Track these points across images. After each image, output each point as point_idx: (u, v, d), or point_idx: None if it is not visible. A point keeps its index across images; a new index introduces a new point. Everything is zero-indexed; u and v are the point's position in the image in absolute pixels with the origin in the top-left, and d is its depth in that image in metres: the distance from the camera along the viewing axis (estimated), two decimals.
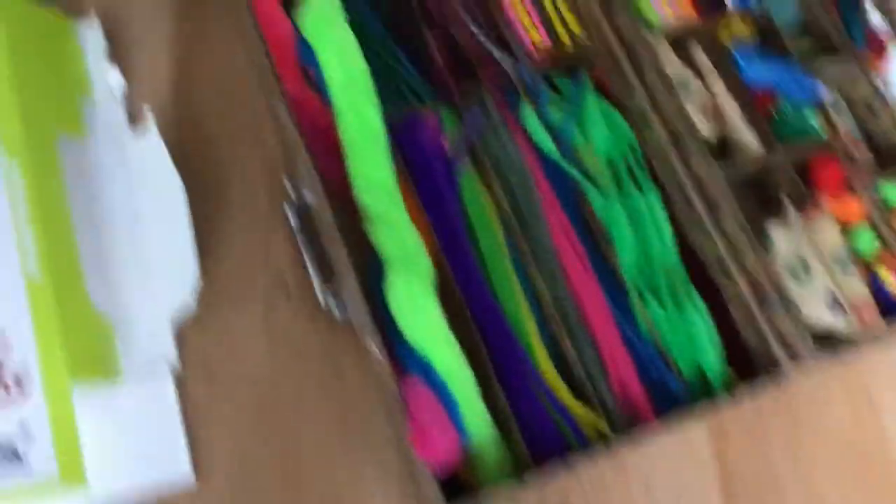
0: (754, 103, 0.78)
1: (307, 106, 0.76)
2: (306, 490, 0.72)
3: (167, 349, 0.72)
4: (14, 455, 0.62)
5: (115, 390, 0.71)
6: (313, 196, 0.74)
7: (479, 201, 0.77)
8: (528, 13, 0.82)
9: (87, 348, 0.68)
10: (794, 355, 0.71)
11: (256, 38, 0.75)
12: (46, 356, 0.64)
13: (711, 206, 0.75)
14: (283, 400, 0.73)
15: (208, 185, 0.77)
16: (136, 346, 0.72)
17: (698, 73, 0.79)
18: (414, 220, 0.73)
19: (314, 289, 0.75)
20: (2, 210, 0.66)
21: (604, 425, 0.72)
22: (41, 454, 0.62)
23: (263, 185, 0.78)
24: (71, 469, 0.63)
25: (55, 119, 0.73)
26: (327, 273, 0.75)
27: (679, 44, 0.80)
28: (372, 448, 0.73)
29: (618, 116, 0.79)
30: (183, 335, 0.73)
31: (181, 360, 0.72)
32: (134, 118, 0.77)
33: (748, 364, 0.75)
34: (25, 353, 0.64)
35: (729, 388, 0.74)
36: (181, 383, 0.72)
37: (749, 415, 0.78)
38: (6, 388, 0.63)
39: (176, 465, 0.71)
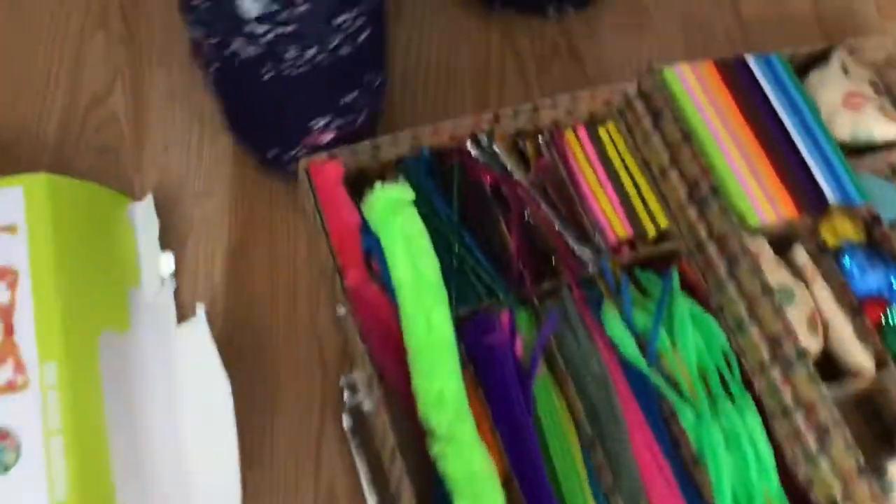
0: (864, 312, 0.70)
1: (369, 300, 0.70)
2: None
3: None
4: None
5: None
6: (371, 405, 0.67)
7: (553, 412, 0.69)
8: (611, 202, 0.76)
9: None
10: None
11: (319, 226, 0.71)
12: None
13: (819, 432, 0.66)
14: None
15: (259, 383, 0.71)
16: None
17: (801, 278, 0.72)
18: (481, 430, 0.65)
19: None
20: (33, 422, 0.60)
21: None
22: None
23: (318, 386, 0.71)
24: None
25: (99, 313, 0.68)
26: (382, 490, 0.68)
27: (780, 245, 0.73)
28: None
29: (710, 321, 0.71)
30: None
31: None
32: (183, 309, 0.72)
33: None
34: None
35: None
36: None
37: None
38: None
39: None
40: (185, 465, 0.65)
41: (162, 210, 0.74)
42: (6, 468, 0.58)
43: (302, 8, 0.65)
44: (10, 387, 0.60)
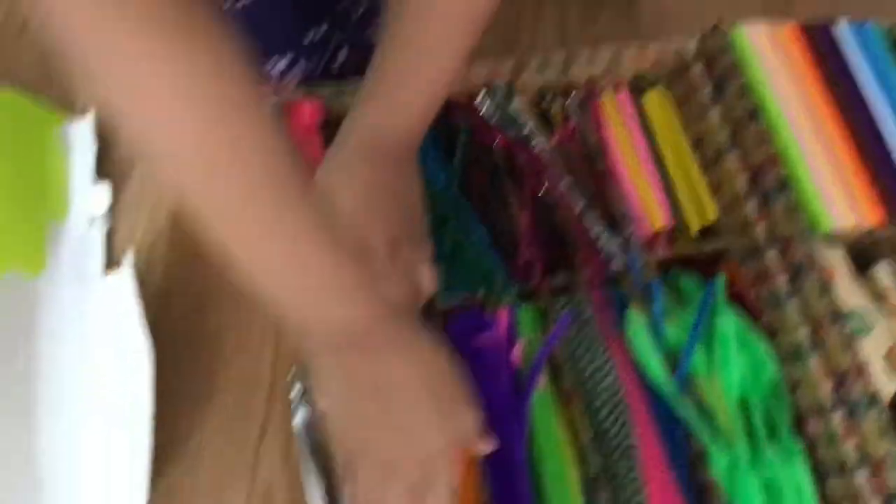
0: None
1: None
2: None
3: None
4: None
5: None
6: None
7: (552, 437, 0.56)
8: (650, 184, 0.62)
9: None
10: None
11: None
12: None
13: (886, 498, 0.52)
14: None
15: (194, 359, 0.58)
16: None
17: (883, 304, 0.58)
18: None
19: None
20: None
21: None
22: None
23: (266, 371, 0.58)
24: None
25: (7, 251, 0.56)
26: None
27: (860, 260, 0.59)
28: None
29: (759, 344, 0.58)
30: None
31: None
32: (113, 253, 0.59)
33: None
34: None
35: None
36: None
37: None
38: None
39: None
40: (84, 463, 0.53)
41: (107, 132, 0.61)
42: None
43: None
44: None
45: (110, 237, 0.59)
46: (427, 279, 0.51)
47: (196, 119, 0.35)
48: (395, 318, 0.44)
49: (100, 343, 0.55)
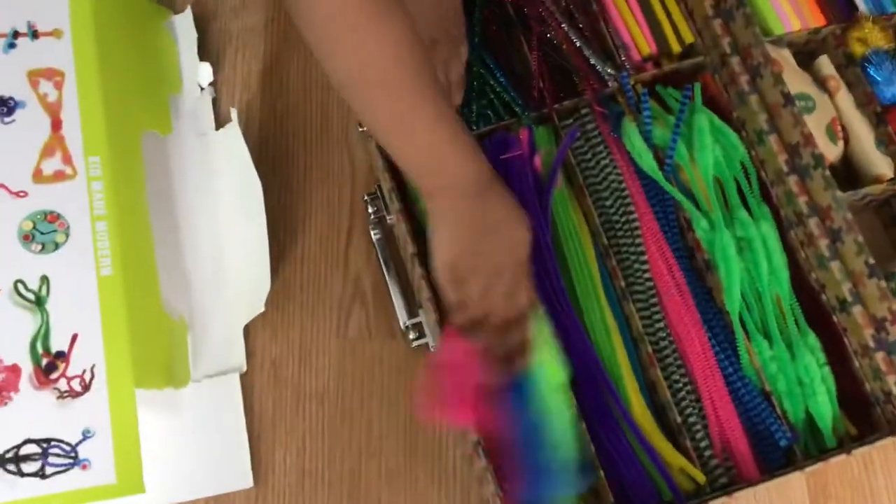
0: (888, 120, 0.70)
1: None
2: None
3: (237, 355, 0.71)
4: (73, 460, 0.61)
5: (182, 395, 0.69)
6: (392, 216, 0.71)
7: (571, 223, 0.71)
8: (636, 19, 0.76)
9: (157, 353, 0.66)
10: None
11: None
12: (113, 360, 0.63)
13: (833, 238, 0.67)
14: (351, 415, 0.70)
15: (291, 189, 0.76)
16: (207, 351, 0.70)
17: (824, 88, 0.71)
18: None
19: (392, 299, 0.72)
20: (80, 208, 0.66)
21: (699, 474, 0.65)
22: (100, 460, 0.61)
23: (347, 194, 0.76)
24: (128, 476, 0.61)
25: (141, 115, 0.73)
26: (406, 292, 0.72)
27: (805, 56, 0.72)
28: (440, 477, 0.69)
29: (730, 133, 0.71)
30: (253, 339, 0.71)
31: (250, 367, 0.71)
32: (219, 116, 0.76)
33: (865, 413, 0.67)
34: (93, 355, 0.63)
35: (842, 440, 0.67)
36: (248, 390, 0.71)
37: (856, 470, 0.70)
38: (71, 390, 0.62)
39: (237, 473, 0.69)
40: (221, 256, 0.71)
41: (200, 23, 0.78)
42: (57, 246, 0.64)
43: None
44: (60, 176, 0.66)
45: (216, 103, 0.77)
46: (456, 74, 0.70)
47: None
48: (490, 176, 0.61)
49: (221, 182, 0.73)
